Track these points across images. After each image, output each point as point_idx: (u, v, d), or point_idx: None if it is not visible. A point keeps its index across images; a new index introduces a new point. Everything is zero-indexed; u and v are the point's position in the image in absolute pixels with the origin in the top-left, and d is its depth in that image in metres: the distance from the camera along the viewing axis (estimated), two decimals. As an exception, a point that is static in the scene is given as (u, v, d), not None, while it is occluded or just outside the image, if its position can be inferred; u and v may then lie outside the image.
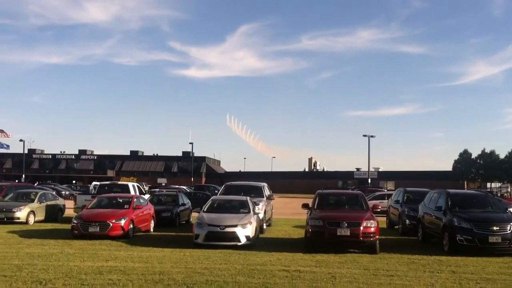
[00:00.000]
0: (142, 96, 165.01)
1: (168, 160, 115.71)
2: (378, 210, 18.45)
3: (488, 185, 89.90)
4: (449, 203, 16.84)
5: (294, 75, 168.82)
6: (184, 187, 55.42)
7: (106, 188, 29.28)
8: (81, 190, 51.18)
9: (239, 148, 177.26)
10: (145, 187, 47.20)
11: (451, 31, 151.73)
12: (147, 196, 26.83)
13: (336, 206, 17.62)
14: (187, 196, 31.13)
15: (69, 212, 27.36)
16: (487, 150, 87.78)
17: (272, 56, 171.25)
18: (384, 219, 24.38)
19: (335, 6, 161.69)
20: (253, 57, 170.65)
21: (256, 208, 19.18)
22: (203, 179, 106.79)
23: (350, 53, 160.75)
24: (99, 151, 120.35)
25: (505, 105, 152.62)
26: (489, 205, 17.26)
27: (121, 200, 20.64)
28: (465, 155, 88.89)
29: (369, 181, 72.00)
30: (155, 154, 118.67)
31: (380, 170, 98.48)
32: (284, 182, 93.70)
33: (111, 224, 17.95)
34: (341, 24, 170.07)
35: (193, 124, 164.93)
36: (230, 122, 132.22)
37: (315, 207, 16.93)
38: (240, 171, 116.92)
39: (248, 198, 19.15)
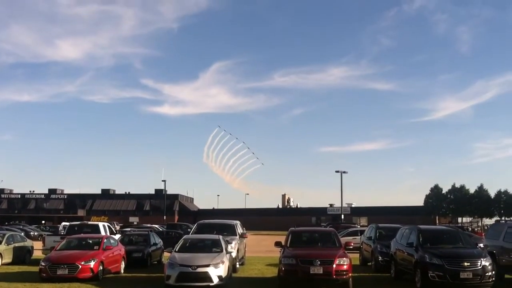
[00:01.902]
0: (115, 134, 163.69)
1: (140, 198, 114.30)
2: (351, 247, 18.45)
3: (459, 220, 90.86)
4: (421, 239, 16.95)
5: (267, 111, 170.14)
6: (156, 226, 54.68)
7: (76, 228, 28.65)
8: (50, 231, 50.08)
9: (213, 185, 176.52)
10: (116, 226, 46.43)
11: (420, 68, 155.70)
12: (117, 236, 26.36)
13: (309, 244, 17.57)
14: (159, 235, 30.69)
15: (38, 253, 26.70)
16: (457, 185, 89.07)
17: (245, 93, 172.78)
18: (357, 255, 24.36)
19: (307, 43, 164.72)
20: (226, 93, 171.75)
21: (229, 247, 18.98)
22: (176, 217, 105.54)
23: (322, 90, 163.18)
24: (69, 190, 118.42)
25: (474, 140, 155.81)
26: (460, 240, 17.41)
27: (90, 241, 20.25)
28: (436, 190, 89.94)
29: (342, 217, 72.14)
30: (127, 193, 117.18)
31: (353, 206, 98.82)
32: (257, 219, 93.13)
33: (80, 266, 17.55)
34: (313, 61, 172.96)
35: (166, 161, 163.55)
36: (207, 159, 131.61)
37: (288, 245, 16.85)
38: (213, 208, 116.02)
39: (221, 236, 18.96)
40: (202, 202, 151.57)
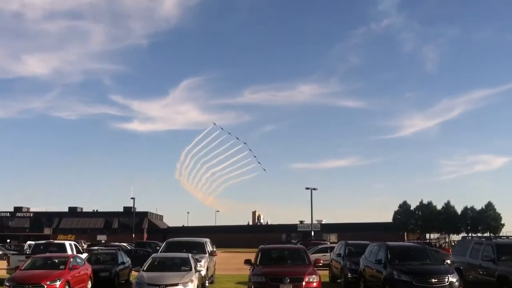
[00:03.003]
0: (82, 151, 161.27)
1: (108, 216, 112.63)
2: (321, 264, 18.48)
3: (427, 236, 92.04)
4: (389, 256, 17.11)
5: (237, 128, 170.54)
6: (125, 244, 53.79)
7: (42, 247, 28.05)
8: (15, 250, 48.93)
9: (183, 202, 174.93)
10: (83, 245, 45.61)
11: (388, 86, 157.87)
12: (84, 255, 25.89)
13: (278, 262, 17.58)
14: (127, 253, 30.21)
15: (2, 273, 26.10)
16: (425, 202, 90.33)
17: (215, 110, 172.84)
18: (327, 272, 24.41)
19: (276, 61, 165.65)
20: (196, 110, 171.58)
21: (198, 265, 18.85)
22: (145, 235, 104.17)
23: (292, 107, 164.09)
24: (35, 208, 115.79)
25: (441, 157, 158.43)
26: (427, 257, 17.63)
27: (56, 261, 19.89)
28: (404, 206, 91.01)
29: (312, 234, 72.32)
30: (95, 210, 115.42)
31: (323, 222, 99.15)
32: (228, 236, 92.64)
33: (45, 286, 17.24)
34: (282, 78, 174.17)
35: (136, 178, 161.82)
36: (179, 175, 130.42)
37: (258, 262, 16.83)
38: (183, 226, 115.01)
39: (190, 255, 18.83)
40: (172, 219, 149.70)
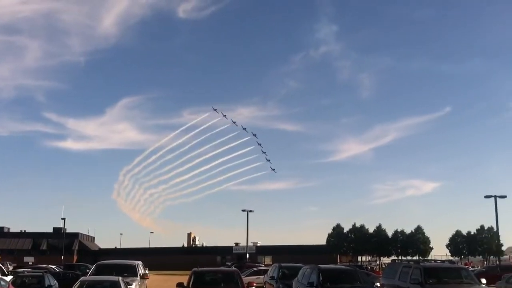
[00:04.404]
0: (11, 168, 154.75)
1: (37, 237, 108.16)
2: (254, 286, 18.48)
3: (359, 258, 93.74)
4: (321, 279, 17.35)
5: (177, 148, 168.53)
6: (53, 267, 51.86)
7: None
8: None
9: (118, 223, 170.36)
10: (8, 267, 43.59)
11: (325, 111, 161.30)
12: (9, 278, 24.75)
13: (211, 284, 17.49)
14: (55, 276, 29.12)
15: None
16: (358, 225, 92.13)
17: (154, 130, 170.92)
18: (260, 295, 24.41)
19: (217, 83, 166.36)
20: (134, 130, 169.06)
21: (129, 289, 18.41)
22: (75, 257, 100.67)
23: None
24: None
25: (373, 181, 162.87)
26: (358, 279, 18.00)
27: (-23, 284, 18.87)
28: (337, 229, 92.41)
29: (247, 256, 72.24)
30: (23, 231, 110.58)
31: (258, 244, 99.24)
32: (162, 259, 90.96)
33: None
34: (222, 100, 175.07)
35: (68, 198, 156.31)
36: (117, 196, 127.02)
37: (190, 286, 16.64)
38: (115, 247, 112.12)
39: (120, 278, 18.38)
40: (105, 241, 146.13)
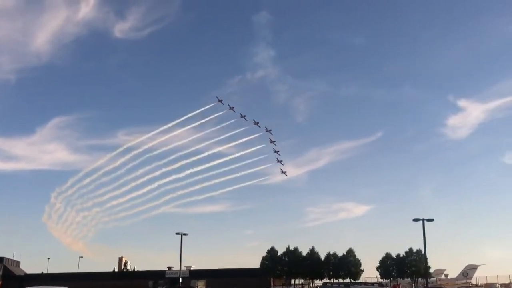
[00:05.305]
0: None
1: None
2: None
3: (292, 281, 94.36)
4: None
5: (110, 170, 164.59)
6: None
7: None
8: None
9: (46, 247, 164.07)
10: None
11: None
12: None
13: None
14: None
15: None
16: (292, 247, 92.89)
17: (86, 150, 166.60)
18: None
19: (153, 105, 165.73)
20: (65, 150, 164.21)
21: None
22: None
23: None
24: None
25: (307, 204, 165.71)
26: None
27: None
28: (272, 252, 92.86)
29: (180, 280, 71.28)
30: None
31: (192, 268, 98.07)
32: (92, 284, 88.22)
33: None
34: (159, 122, 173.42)
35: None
36: (47, 218, 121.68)
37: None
38: (42, 272, 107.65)
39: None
40: (31, 266, 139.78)
